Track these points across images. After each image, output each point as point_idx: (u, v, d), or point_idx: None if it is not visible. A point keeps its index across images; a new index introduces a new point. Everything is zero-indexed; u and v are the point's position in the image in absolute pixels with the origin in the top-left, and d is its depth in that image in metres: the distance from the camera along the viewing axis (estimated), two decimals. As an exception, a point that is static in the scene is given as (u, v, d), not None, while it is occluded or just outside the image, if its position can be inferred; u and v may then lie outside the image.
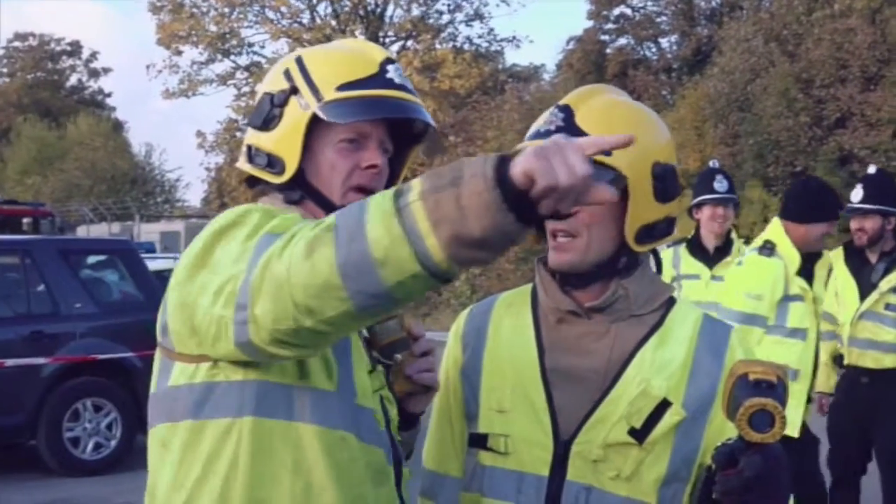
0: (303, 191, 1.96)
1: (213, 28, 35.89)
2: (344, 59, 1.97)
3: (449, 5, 36.08)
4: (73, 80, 55.80)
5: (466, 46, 36.18)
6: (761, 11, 24.46)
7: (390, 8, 35.61)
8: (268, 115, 1.95)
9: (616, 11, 34.03)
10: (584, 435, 1.97)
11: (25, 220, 19.74)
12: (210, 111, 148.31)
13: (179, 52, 36.79)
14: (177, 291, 1.80)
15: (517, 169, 1.44)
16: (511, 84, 32.07)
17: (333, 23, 35.07)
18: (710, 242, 6.31)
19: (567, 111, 2.00)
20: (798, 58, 22.50)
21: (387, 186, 1.98)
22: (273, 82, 1.99)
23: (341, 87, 1.92)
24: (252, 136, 2.00)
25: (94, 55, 55.64)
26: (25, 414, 8.61)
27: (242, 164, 2.01)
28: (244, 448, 1.78)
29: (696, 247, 6.34)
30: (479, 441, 2.07)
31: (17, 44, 53.82)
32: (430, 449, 2.21)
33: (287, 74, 1.96)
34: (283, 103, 1.94)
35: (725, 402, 1.71)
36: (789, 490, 1.76)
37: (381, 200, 1.51)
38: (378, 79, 1.94)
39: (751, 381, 1.68)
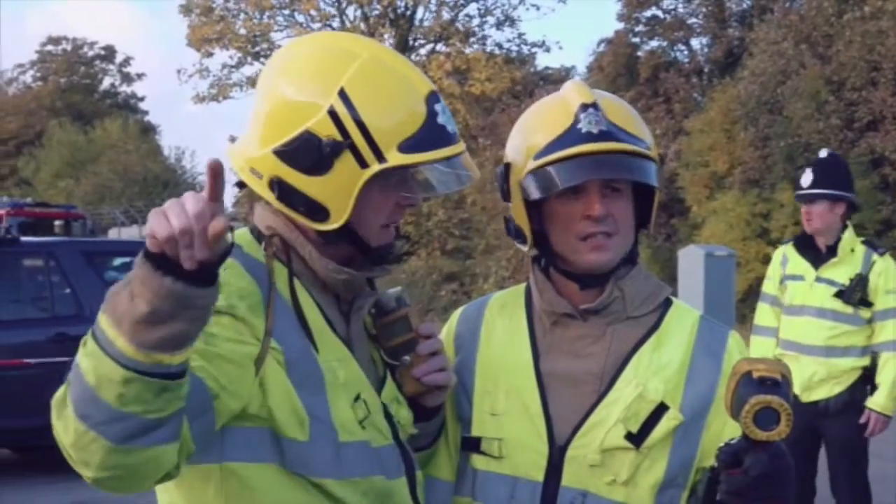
0: (340, 233, 1.87)
1: (243, 31, 36.05)
2: (395, 102, 1.85)
3: (479, 9, 36.11)
4: (105, 83, 56.24)
5: (496, 51, 36.15)
6: (791, 14, 24.26)
7: (420, 11, 35.66)
8: (315, 162, 1.81)
9: (647, 14, 33.90)
10: (580, 439, 1.95)
11: (57, 223, 19.94)
12: (241, 114, 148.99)
13: (210, 55, 36.96)
14: None
15: (145, 233, 1.50)
16: (541, 87, 32.03)
17: (363, 26, 35.11)
18: (820, 241, 5.72)
19: (596, 107, 1.99)
20: (828, 60, 22.32)
21: None
22: (309, 115, 1.82)
23: (403, 148, 1.82)
24: (285, 172, 1.84)
25: (127, 60, 56.05)
26: (49, 416, 8.61)
27: (272, 199, 1.87)
28: (223, 492, 1.80)
29: (806, 245, 5.79)
30: (471, 445, 2.05)
31: (50, 48, 54.36)
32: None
33: (336, 120, 1.81)
34: (336, 155, 1.81)
35: (729, 400, 1.69)
36: (794, 488, 1.74)
37: (85, 336, 1.57)
38: (432, 128, 1.86)
39: (755, 379, 1.66)
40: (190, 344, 1.55)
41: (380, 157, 1.81)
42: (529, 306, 2.10)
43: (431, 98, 1.88)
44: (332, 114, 1.81)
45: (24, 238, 10.62)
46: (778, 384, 1.66)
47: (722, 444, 1.71)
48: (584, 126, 1.95)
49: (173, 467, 1.66)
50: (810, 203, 5.63)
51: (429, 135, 1.85)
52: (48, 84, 53.14)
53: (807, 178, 5.68)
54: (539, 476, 1.96)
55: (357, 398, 1.88)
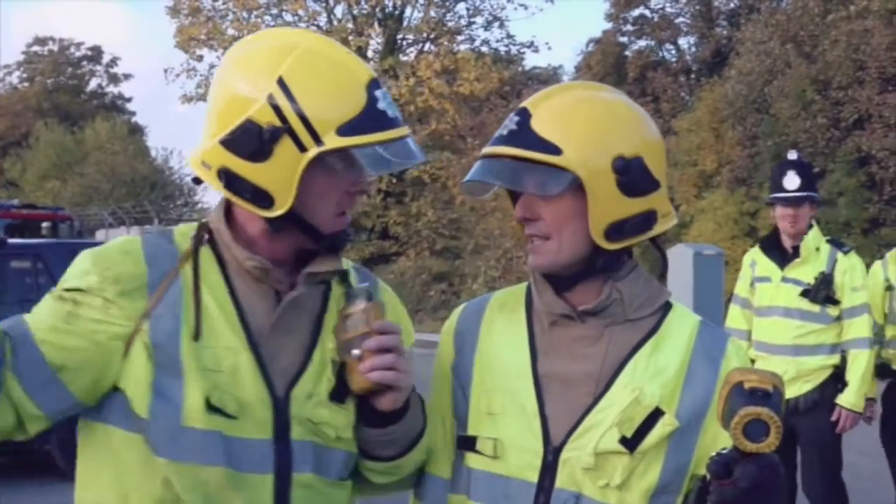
0: (289, 220, 1.92)
1: (231, 31, 36.00)
2: (334, 88, 1.90)
3: (468, 9, 36.13)
4: (92, 84, 56.12)
5: (485, 50, 36.17)
6: (777, 13, 24.35)
7: (408, 10, 35.65)
8: (256, 148, 1.87)
9: (635, 13, 33.98)
10: (575, 442, 1.94)
11: (45, 225, 19.88)
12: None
13: (200, 58, 36.92)
14: None
15: None
16: (528, 87, 32.08)
17: (350, 25, 35.11)
18: (788, 242, 5.79)
19: (524, 114, 1.97)
20: (815, 59, 22.41)
21: None
22: (250, 104, 1.88)
23: (341, 131, 1.87)
24: (230, 161, 1.90)
25: (114, 60, 55.93)
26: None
27: (220, 188, 1.92)
28: (104, 453, 1.96)
29: (771, 246, 5.87)
30: (466, 443, 2.04)
31: (36, 48, 54.22)
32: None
33: (275, 107, 1.86)
34: (275, 140, 1.86)
35: (720, 410, 1.68)
36: (785, 501, 1.72)
37: None
38: (372, 113, 1.90)
39: (746, 390, 1.65)
40: None
41: (318, 140, 1.86)
42: (530, 306, 2.09)
43: (372, 85, 1.92)
44: (271, 101, 1.87)
45: (11, 240, 10.59)
46: (769, 395, 1.65)
47: (713, 454, 1.69)
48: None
49: (11, 424, 1.89)
50: (797, 206, 5.65)
51: (368, 119, 1.89)
52: (35, 85, 52.99)
53: (793, 180, 5.67)
54: (534, 477, 1.95)
55: (218, 387, 1.90)
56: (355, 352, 1.93)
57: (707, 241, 20.33)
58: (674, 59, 33.25)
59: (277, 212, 1.89)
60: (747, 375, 1.67)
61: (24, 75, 54.49)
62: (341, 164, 1.90)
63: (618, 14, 33.87)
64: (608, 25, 34.28)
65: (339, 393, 1.97)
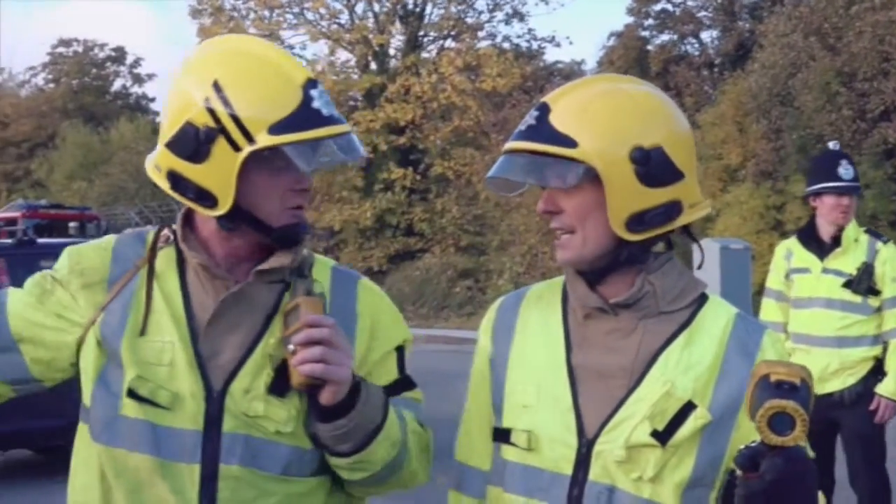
0: (237, 218, 1.99)
1: (253, 31, 36.07)
2: (267, 89, 1.96)
3: (488, 4, 36.07)
4: (116, 84, 56.38)
5: (506, 46, 36.11)
6: (801, 6, 24.21)
7: (429, 7, 35.63)
8: (194, 149, 1.95)
9: (657, 7, 33.88)
10: (607, 434, 1.94)
11: (72, 225, 19.98)
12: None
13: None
14: None
15: None
16: (551, 82, 31.99)
17: (372, 23, 35.14)
18: (826, 233, 5.73)
19: (543, 109, 1.98)
20: (839, 51, 22.27)
21: None
22: (189, 108, 1.96)
23: (273, 130, 1.93)
24: (175, 163, 1.99)
25: (137, 61, 56.11)
26: (67, 418, 8.65)
27: (168, 189, 2.01)
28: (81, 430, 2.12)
29: (809, 238, 5.79)
30: (502, 435, 2.05)
31: (61, 50, 54.47)
32: (459, 441, 2.19)
33: (210, 110, 1.94)
34: (211, 141, 1.94)
35: (748, 403, 1.67)
36: (815, 494, 1.68)
37: None
38: (305, 112, 1.96)
39: (772, 383, 1.63)
40: None
41: (251, 140, 1.92)
42: (566, 299, 2.08)
43: (308, 85, 1.98)
44: (207, 104, 1.95)
45: (40, 240, 10.65)
46: (796, 388, 1.63)
47: (741, 447, 1.68)
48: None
49: None
50: (852, 195, 5.64)
51: (301, 118, 1.94)
52: (60, 86, 53.19)
53: (848, 170, 5.63)
54: (567, 469, 1.96)
55: (151, 379, 1.99)
56: (290, 346, 1.95)
57: (733, 235, 20.25)
58: (696, 53, 33.11)
59: (220, 211, 1.97)
60: (774, 368, 1.66)
61: (50, 77, 54.76)
62: (282, 162, 1.95)
63: (639, 8, 33.78)
64: (630, 20, 34.21)
65: (279, 387, 1.99)
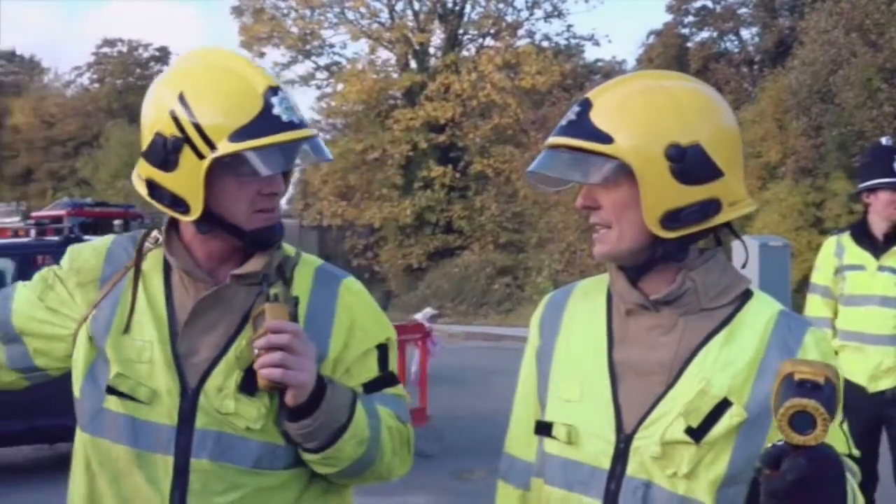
0: (212, 222, 2.10)
1: (294, 30, 36.25)
2: (228, 99, 2.05)
3: (527, 2, 36.01)
4: (160, 84, 56.62)
5: (545, 44, 36.04)
6: (842, 2, 24.04)
7: (468, 5, 35.61)
8: (164, 158, 2.07)
9: (696, 4, 33.70)
10: (644, 430, 1.96)
11: (116, 222, 20.16)
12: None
13: (262, 55, 37.22)
14: None
15: None
16: (591, 80, 31.93)
17: (411, 22, 35.19)
18: (880, 230, 5.62)
19: (585, 104, 2.00)
20: (880, 48, 22.11)
21: None
22: (159, 119, 2.08)
23: (234, 137, 2.02)
24: (151, 172, 2.11)
25: (180, 60, 56.36)
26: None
27: (146, 195, 2.14)
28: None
29: (862, 234, 5.68)
30: (544, 429, 2.08)
31: (106, 50, 54.90)
32: (509, 432, 2.24)
33: (175, 120, 2.05)
34: (178, 150, 2.05)
35: (773, 401, 1.64)
36: (840, 494, 1.66)
37: None
38: (265, 118, 2.05)
39: (795, 381, 1.61)
40: None
41: (213, 147, 2.03)
42: (610, 295, 2.10)
43: (269, 93, 2.07)
44: (172, 114, 2.06)
45: (85, 237, 10.82)
46: (819, 387, 1.60)
47: (768, 445, 1.67)
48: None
49: None
50: None
51: (261, 124, 2.04)
52: (105, 86, 53.61)
53: None
54: (606, 464, 1.98)
55: (132, 376, 2.12)
56: (256, 351, 2.04)
57: (771, 232, 20.15)
58: (736, 50, 32.91)
59: (192, 216, 2.08)
60: (798, 367, 1.64)
61: (95, 76, 55.20)
62: (247, 167, 2.05)
63: (679, 6, 33.58)
64: (669, 17, 34.04)
65: (249, 387, 2.09)
